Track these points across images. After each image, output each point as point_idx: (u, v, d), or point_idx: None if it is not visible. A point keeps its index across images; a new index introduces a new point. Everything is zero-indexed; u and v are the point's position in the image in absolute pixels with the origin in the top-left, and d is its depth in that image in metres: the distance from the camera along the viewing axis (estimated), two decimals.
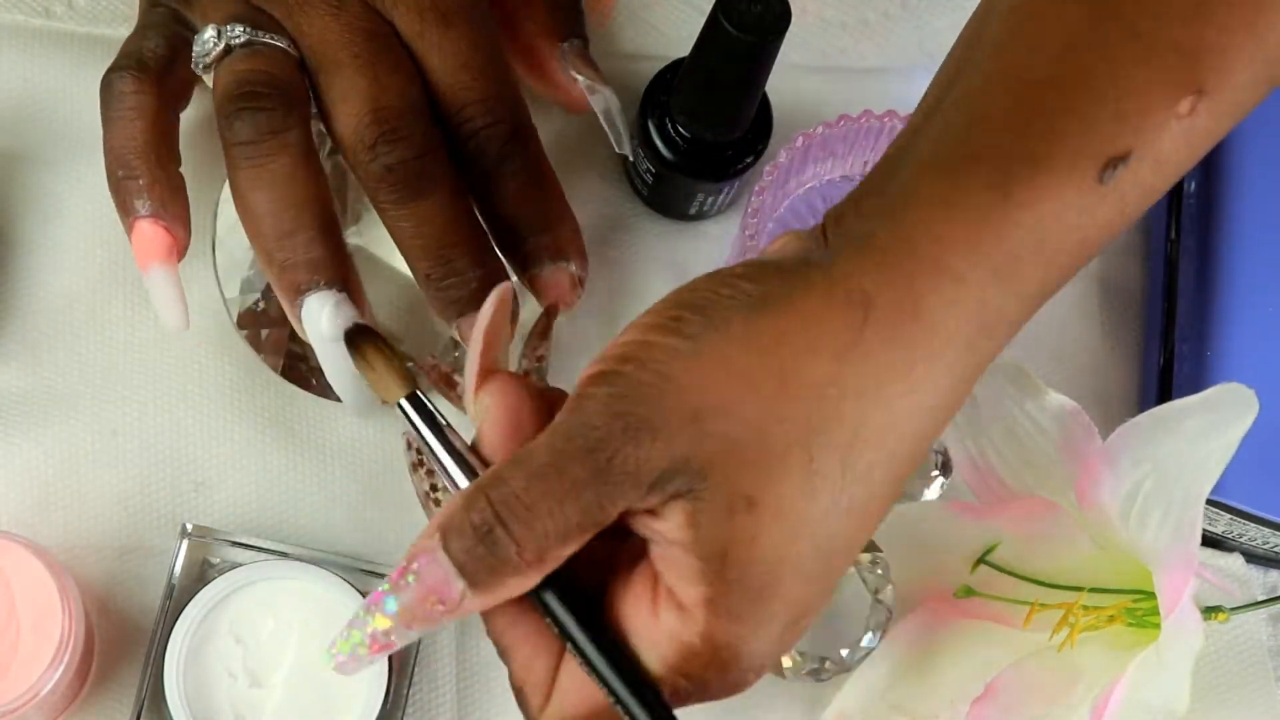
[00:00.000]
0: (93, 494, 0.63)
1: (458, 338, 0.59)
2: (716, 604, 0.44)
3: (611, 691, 0.45)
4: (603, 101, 0.62)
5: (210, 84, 0.58)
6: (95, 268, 0.65)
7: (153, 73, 0.59)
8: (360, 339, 0.53)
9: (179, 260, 0.60)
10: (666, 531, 0.44)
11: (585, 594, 0.46)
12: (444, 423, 0.48)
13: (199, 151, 0.64)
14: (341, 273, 0.57)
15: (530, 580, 0.44)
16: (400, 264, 0.63)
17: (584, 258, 0.60)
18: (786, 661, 0.63)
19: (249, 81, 0.56)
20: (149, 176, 0.59)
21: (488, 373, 0.47)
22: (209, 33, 0.58)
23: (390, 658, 0.60)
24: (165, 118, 0.60)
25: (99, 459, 0.64)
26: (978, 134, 0.46)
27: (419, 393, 0.49)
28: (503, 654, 0.47)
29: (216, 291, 0.64)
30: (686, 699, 0.46)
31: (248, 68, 0.57)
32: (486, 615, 0.47)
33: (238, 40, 0.57)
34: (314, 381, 0.64)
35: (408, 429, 0.49)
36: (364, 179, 0.57)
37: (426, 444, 0.48)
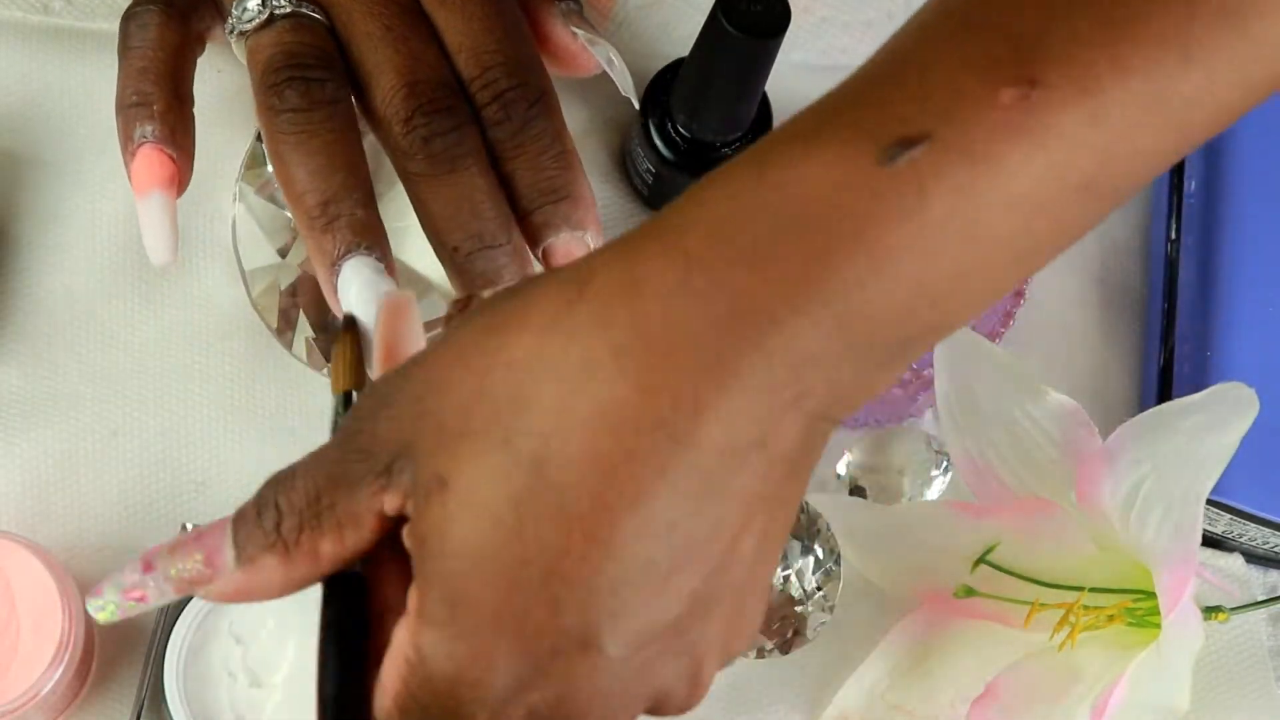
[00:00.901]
0: (93, 494, 0.63)
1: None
2: (421, 610, 0.40)
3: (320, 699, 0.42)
4: (605, 52, 0.61)
5: (240, 53, 0.58)
6: (95, 268, 0.65)
7: (179, 11, 0.59)
8: (352, 326, 0.53)
9: (178, 194, 0.59)
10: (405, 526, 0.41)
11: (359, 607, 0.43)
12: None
13: (214, 131, 0.64)
14: (381, 241, 0.57)
15: (293, 569, 0.42)
16: (407, 258, 0.63)
17: (599, 229, 0.60)
18: None
19: (298, 53, 0.56)
20: (164, 103, 0.58)
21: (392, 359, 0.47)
22: (253, 1, 0.57)
23: None
24: (186, 56, 0.59)
25: (99, 459, 0.64)
26: (782, 126, 0.42)
27: (354, 395, 0.49)
28: None
29: (218, 288, 0.64)
30: None
31: (295, 39, 0.57)
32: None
33: (282, 10, 0.57)
34: (326, 362, 0.63)
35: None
36: (397, 151, 0.57)
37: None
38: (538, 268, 0.60)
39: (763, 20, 0.59)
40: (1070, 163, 0.40)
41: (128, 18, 0.59)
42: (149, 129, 0.58)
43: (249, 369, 0.65)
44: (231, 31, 0.58)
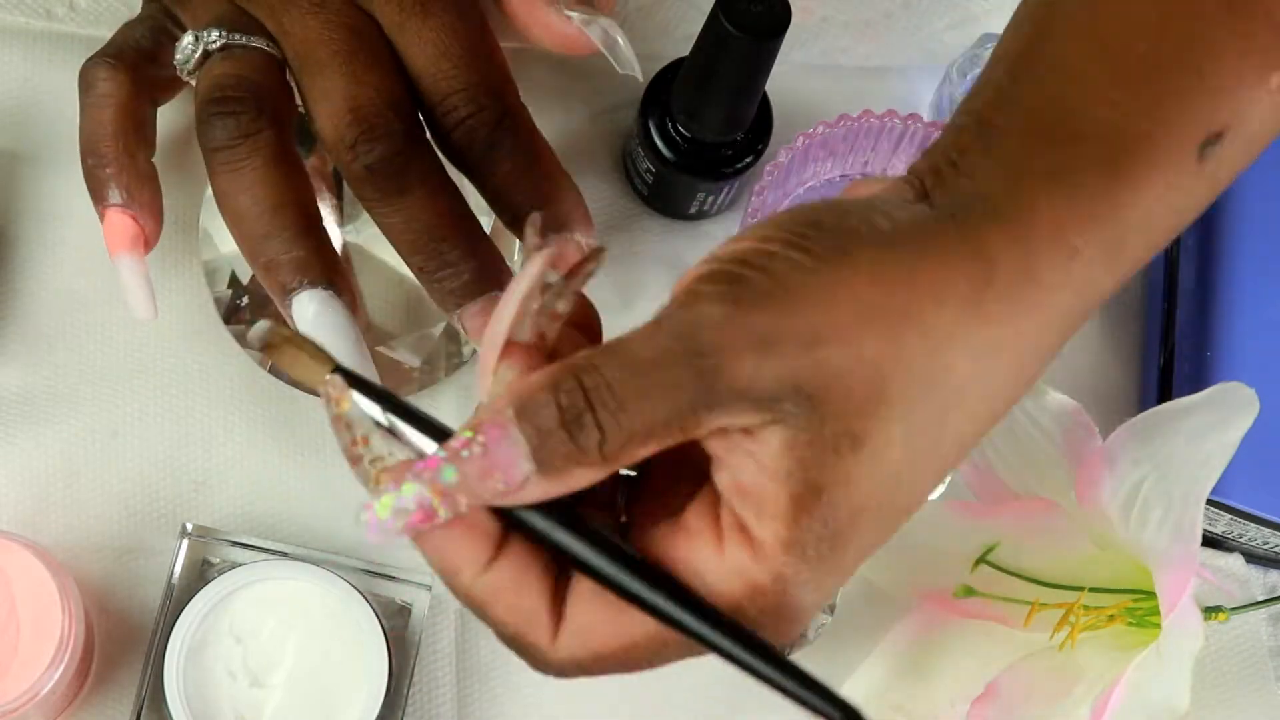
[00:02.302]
0: (93, 494, 0.63)
1: (458, 327, 0.59)
2: (798, 545, 0.42)
3: (680, 624, 0.42)
4: (600, 31, 0.61)
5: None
6: (96, 267, 0.65)
7: (128, 62, 0.59)
8: (270, 336, 0.47)
9: (148, 250, 0.60)
10: (761, 457, 0.41)
11: (597, 532, 0.43)
12: (383, 388, 0.45)
13: (186, 152, 0.64)
14: (326, 271, 0.57)
15: (599, 475, 0.41)
16: (397, 261, 0.63)
17: (589, 225, 0.59)
18: None
19: (220, 85, 0.57)
20: (116, 165, 0.59)
21: (510, 343, 0.44)
22: (187, 39, 0.58)
23: (390, 657, 0.60)
24: (137, 107, 0.60)
25: (99, 459, 0.64)
26: (1082, 107, 0.45)
27: (340, 367, 0.45)
28: (480, 608, 0.43)
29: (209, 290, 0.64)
30: None
31: (221, 72, 0.57)
32: (445, 571, 0.43)
33: (214, 45, 0.57)
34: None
35: (337, 412, 0.45)
36: (348, 178, 0.57)
37: (369, 417, 0.44)
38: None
39: (763, 20, 0.59)
40: None
41: (81, 74, 0.60)
42: (110, 192, 0.59)
43: (249, 369, 0.65)
44: (181, 73, 0.59)
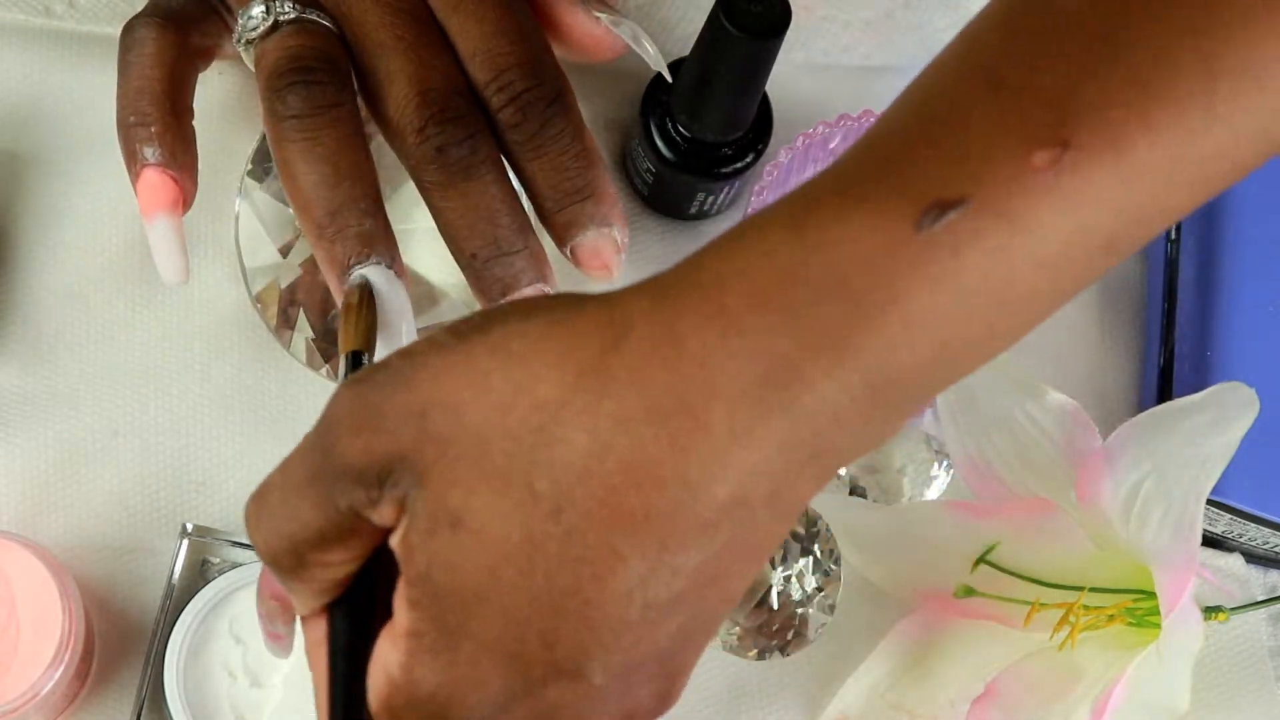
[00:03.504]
0: (93, 494, 0.63)
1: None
2: (416, 632, 0.40)
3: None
4: (630, 30, 0.61)
5: (249, 61, 0.58)
6: (96, 268, 0.65)
7: (176, 24, 0.59)
8: (366, 294, 0.53)
9: (184, 213, 0.59)
10: (391, 540, 0.41)
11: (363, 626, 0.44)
12: None
13: (213, 136, 0.64)
14: (390, 248, 0.57)
15: (305, 578, 0.43)
16: (410, 261, 0.63)
17: (625, 224, 0.59)
18: (731, 640, 0.63)
19: (300, 56, 0.56)
20: (161, 124, 0.58)
21: None
22: (257, 8, 0.57)
23: None
24: (184, 71, 0.59)
25: (99, 459, 0.64)
26: (817, 178, 0.41)
27: (365, 356, 0.49)
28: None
29: (219, 288, 0.64)
30: None
31: (299, 43, 0.56)
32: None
33: (287, 16, 0.57)
34: (324, 363, 0.63)
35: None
36: (412, 161, 0.57)
37: None
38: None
39: (763, 20, 0.58)
40: (1099, 224, 0.40)
41: (126, 31, 0.59)
42: (149, 150, 0.58)
43: (249, 369, 0.65)
44: (239, 40, 0.58)
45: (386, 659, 0.41)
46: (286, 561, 0.43)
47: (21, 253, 0.65)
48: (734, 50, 0.60)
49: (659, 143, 0.66)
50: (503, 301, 0.43)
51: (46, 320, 0.65)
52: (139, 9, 0.62)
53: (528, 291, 0.57)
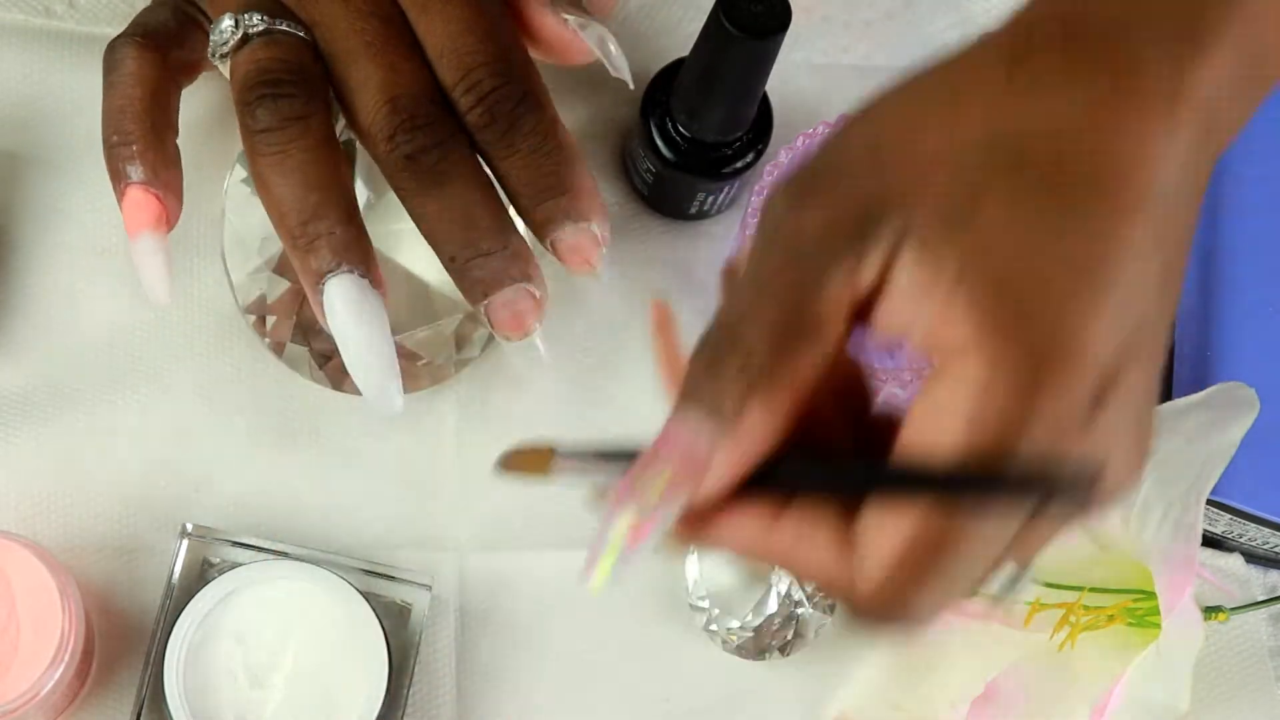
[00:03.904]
0: (93, 494, 0.63)
1: (483, 319, 0.59)
2: (991, 323, 0.39)
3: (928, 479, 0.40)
4: (596, 35, 0.61)
5: (226, 74, 0.58)
6: (96, 267, 0.65)
7: (157, 43, 0.59)
8: (512, 461, 0.48)
9: (168, 231, 0.60)
10: (905, 286, 0.40)
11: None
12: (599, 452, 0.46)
13: (206, 141, 0.64)
14: (364, 257, 0.57)
15: (776, 404, 0.41)
16: (404, 261, 0.63)
17: (605, 219, 0.59)
18: (731, 641, 0.64)
19: (269, 69, 0.56)
20: (143, 143, 0.59)
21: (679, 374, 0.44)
22: (226, 22, 0.57)
23: (390, 658, 0.60)
24: (166, 89, 0.60)
25: (99, 459, 0.64)
26: None
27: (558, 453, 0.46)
28: (788, 560, 0.44)
29: (219, 288, 0.64)
30: (1013, 464, 0.40)
31: (267, 55, 0.56)
32: (739, 550, 0.44)
33: (256, 29, 0.57)
34: (321, 372, 0.64)
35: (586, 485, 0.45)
36: (385, 169, 0.57)
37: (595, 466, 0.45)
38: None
39: (764, 20, 0.58)
40: None
41: (108, 51, 0.59)
42: (132, 169, 0.58)
43: (249, 369, 0.65)
44: (213, 55, 0.58)
45: (963, 407, 0.40)
46: (766, 383, 0.41)
47: (21, 253, 0.65)
48: (734, 50, 0.60)
49: (659, 143, 0.66)
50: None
51: (46, 320, 0.65)
52: (139, 9, 0.62)
53: (508, 294, 0.57)
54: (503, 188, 0.58)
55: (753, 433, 0.42)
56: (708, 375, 0.42)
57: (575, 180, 0.58)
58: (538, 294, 0.58)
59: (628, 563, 0.42)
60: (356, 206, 0.57)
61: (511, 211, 0.58)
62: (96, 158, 0.61)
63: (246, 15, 0.57)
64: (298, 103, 0.56)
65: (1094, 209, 0.41)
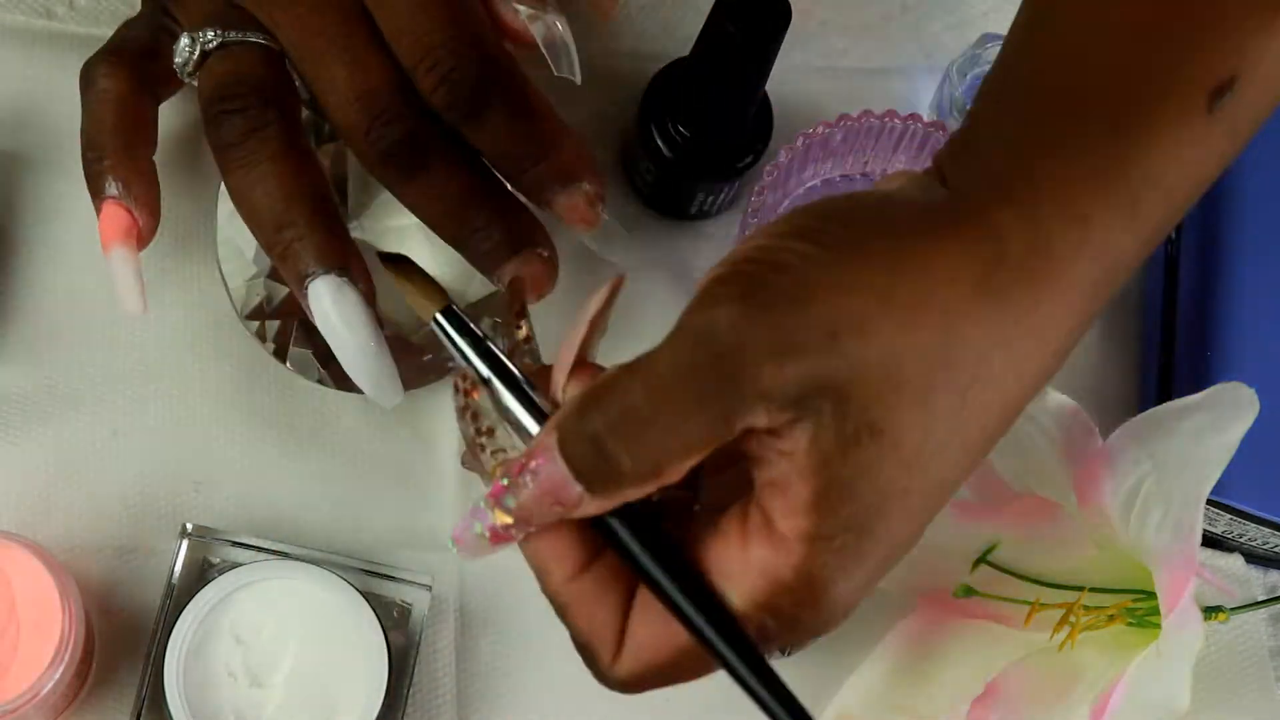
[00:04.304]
0: (93, 494, 0.63)
1: (499, 287, 0.59)
2: (818, 536, 0.43)
3: (691, 624, 0.44)
4: (543, 29, 0.60)
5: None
6: (96, 268, 0.65)
7: (128, 59, 0.60)
8: (399, 260, 0.53)
9: (143, 245, 0.60)
10: (787, 453, 0.43)
11: (664, 535, 0.45)
12: (482, 334, 0.48)
13: (191, 152, 0.64)
14: (341, 257, 0.57)
15: (646, 490, 0.43)
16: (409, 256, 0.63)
17: (595, 173, 0.59)
18: None
19: (222, 84, 0.57)
20: (114, 158, 0.59)
21: (581, 362, 0.47)
22: (183, 41, 0.58)
23: (390, 658, 0.60)
24: (137, 103, 0.60)
25: (99, 459, 0.64)
26: (1081, 74, 0.46)
27: (453, 307, 0.49)
28: (561, 611, 0.46)
29: (218, 289, 0.64)
30: (772, 639, 0.45)
31: (222, 71, 0.57)
32: (539, 572, 0.46)
33: (211, 45, 0.58)
34: (325, 372, 0.64)
35: (456, 367, 0.48)
36: (366, 164, 0.58)
37: (466, 359, 0.48)
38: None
39: (763, 21, 0.59)
40: None
41: (83, 71, 0.60)
42: (107, 185, 0.59)
43: (249, 369, 0.65)
44: (181, 75, 0.59)
45: (764, 561, 0.43)
46: (643, 473, 0.43)
47: (21, 253, 0.65)
48: (734, 50, 0.60)
49: (659, 143, 0.66)
50: (854, 198, 0.46)
51: (46, 320, 0.65)
52: (139, 9, 0.62)
53: (516, 262, 0.58)
54: (490, 163, 0.59)
55: (618, 501, 0.44)
56: (595, 453, 0.43)
57: (555, 141, 0.58)
58: (545, 253, 0.59)
59: (489, 550, 0.46)
60: (332, 206, 0.57)
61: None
62: None
63: (201, 32, 0.57)
64: (253, 114, 0.56)
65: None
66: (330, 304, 0.56)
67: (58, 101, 0.66)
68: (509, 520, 0.44)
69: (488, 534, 0.45)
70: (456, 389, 0.54)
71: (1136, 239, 0.46)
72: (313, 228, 0.57)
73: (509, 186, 0.60)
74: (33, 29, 0.67)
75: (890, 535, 0.44)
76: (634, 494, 0.44)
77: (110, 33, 0.61)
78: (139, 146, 0.60)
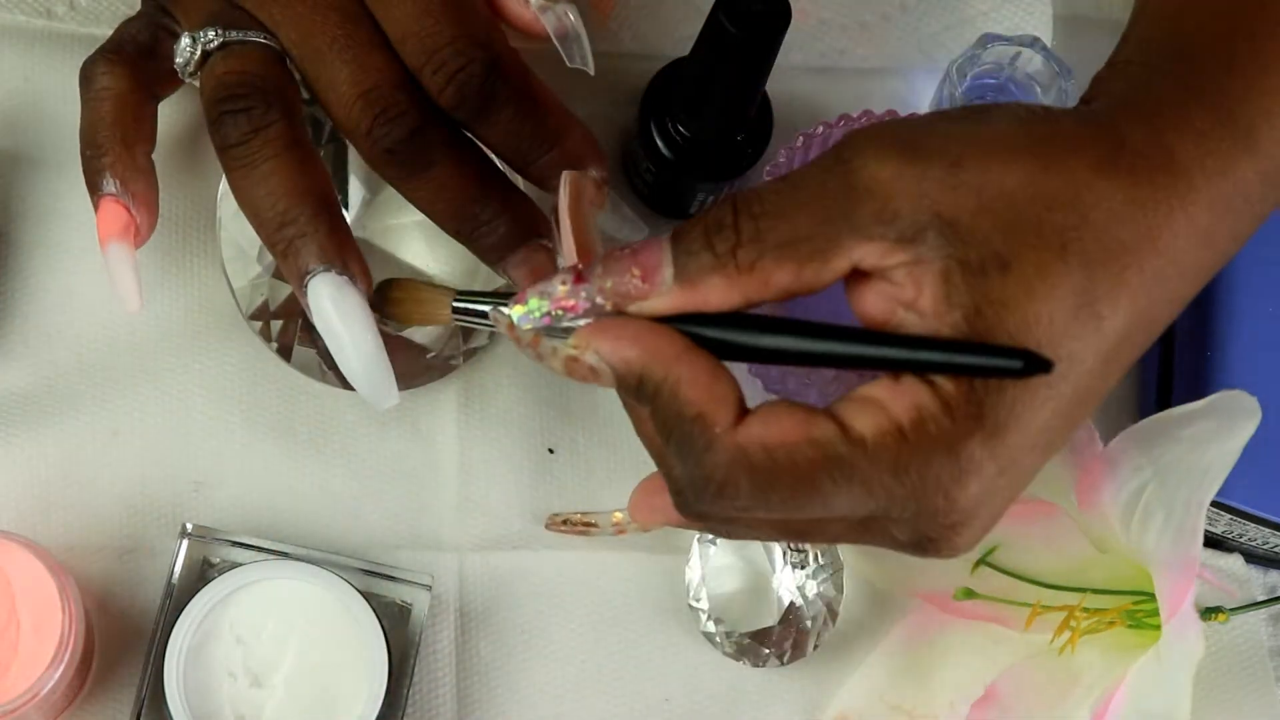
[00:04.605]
0: (93, 494, 0.63)
1: (505, 278, 0.60)
2: (984, 413, 0.44)
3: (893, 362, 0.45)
4: (554, 20, 0.60)
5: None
6: (95, 268, 0.65)
7: (127, 57, 0.60)
8: (387, 289, 0.55)
9: (139, 242, 0.60)
10: (912, 298, 0.45)
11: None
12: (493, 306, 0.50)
13: (194, 151, 0.64)
14: (342, 255, 0.57)
15: (732, 292, 0.45)
16: (406, 255, 0.63)
17: (600, 158, 0.60)
18: (725, 644, 0.64)
19: (224, 84, 0.57)
20: (111, 155, 0.59)
21: (586, 251, 0.49)
22: (184, 42, 0.58)
23: (390, 658, 0.60)
24: (136, 101, 0.60)
25: (99, 459, 0.64)
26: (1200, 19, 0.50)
27: (459, 292, 0.54)
28: (671, 389, 0.46)
29: (218, 289, 0.64)
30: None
31: (224, 70, 0.57)
32: (641, 358, 0.46)
33: (212, 45, 0.58)
34: (330, 373, 0.64)
35: (510, 335, 0.49)
36: (369, 162, 0.58)
37: (500, 312, 0.49)
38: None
39: (763, 20, 0.58)
40: None
41: (83, 68, 0.60)
42: (105, 181, 0.59)
43: (249, 369, 0.65)
44: (182, 75, 0.59)
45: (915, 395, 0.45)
46: (740, 267, 0.45)
47: (21, 253, 0.65)
48: (734, 50, 0.60)
49: (659, 143, 0.66)
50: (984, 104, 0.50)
51: (46, 320, 0.65)
52: (138, 10, 0.62)
53: (521, 254, 0.59)
54: (503, 160, 0.59)
55: (703, 295, 0.46)
56: (703, 233, 0.46)
57: (561, 130, 0.59)
58: (549, 245, 0.59)
59: (546, 321, 0.47)
60: (334, 204, 0.58)
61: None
62: None
63: (202, 32, 0.57)
64: (255, 114, 0.56)
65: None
66: (329, 301, 0.56)
67: (57, 101, 0.66)
68: (574, 303, 0.46)
69: (551, 308, 0.47)
70: (498, 324, 0.53)
71: (1258, 173, 0.47)
72: (315, 225, 0.57)
73: (510, 178, 0.60)
74: (32, 28, 0.67)
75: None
76: (717, 292, 0.45)
77: (110, 32, 0.61)
78: (137, 144, 0.60)
